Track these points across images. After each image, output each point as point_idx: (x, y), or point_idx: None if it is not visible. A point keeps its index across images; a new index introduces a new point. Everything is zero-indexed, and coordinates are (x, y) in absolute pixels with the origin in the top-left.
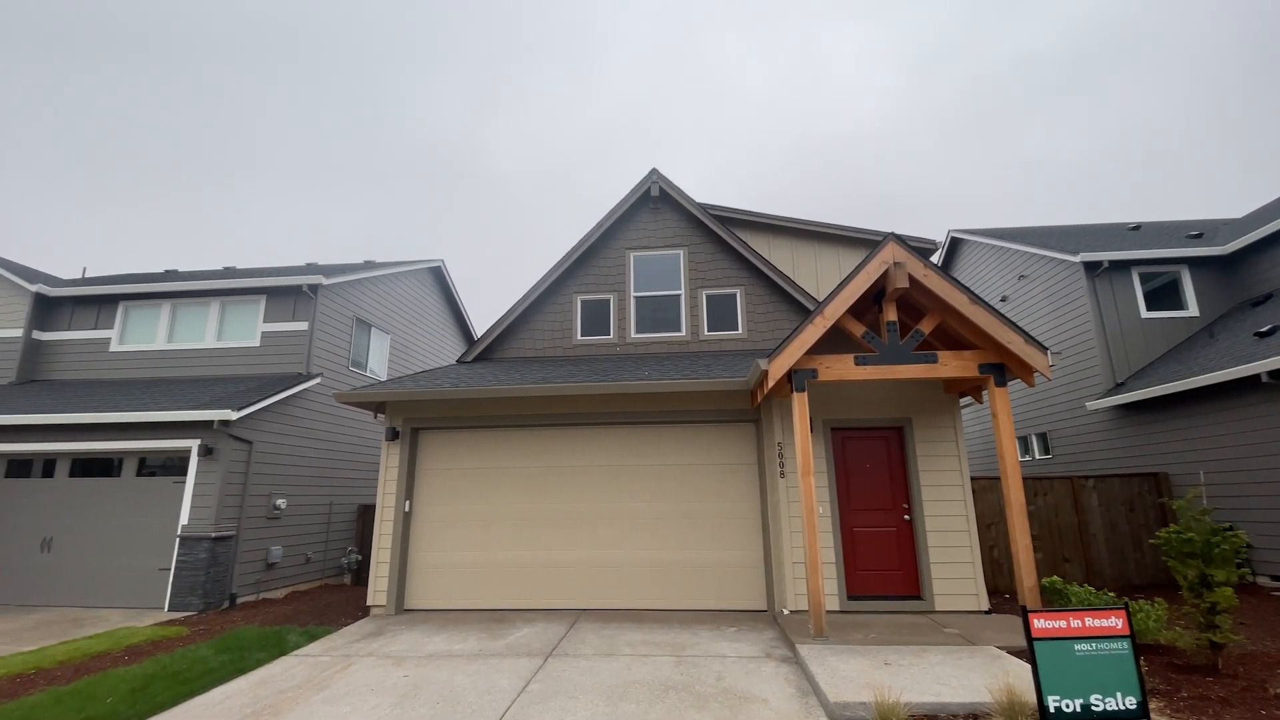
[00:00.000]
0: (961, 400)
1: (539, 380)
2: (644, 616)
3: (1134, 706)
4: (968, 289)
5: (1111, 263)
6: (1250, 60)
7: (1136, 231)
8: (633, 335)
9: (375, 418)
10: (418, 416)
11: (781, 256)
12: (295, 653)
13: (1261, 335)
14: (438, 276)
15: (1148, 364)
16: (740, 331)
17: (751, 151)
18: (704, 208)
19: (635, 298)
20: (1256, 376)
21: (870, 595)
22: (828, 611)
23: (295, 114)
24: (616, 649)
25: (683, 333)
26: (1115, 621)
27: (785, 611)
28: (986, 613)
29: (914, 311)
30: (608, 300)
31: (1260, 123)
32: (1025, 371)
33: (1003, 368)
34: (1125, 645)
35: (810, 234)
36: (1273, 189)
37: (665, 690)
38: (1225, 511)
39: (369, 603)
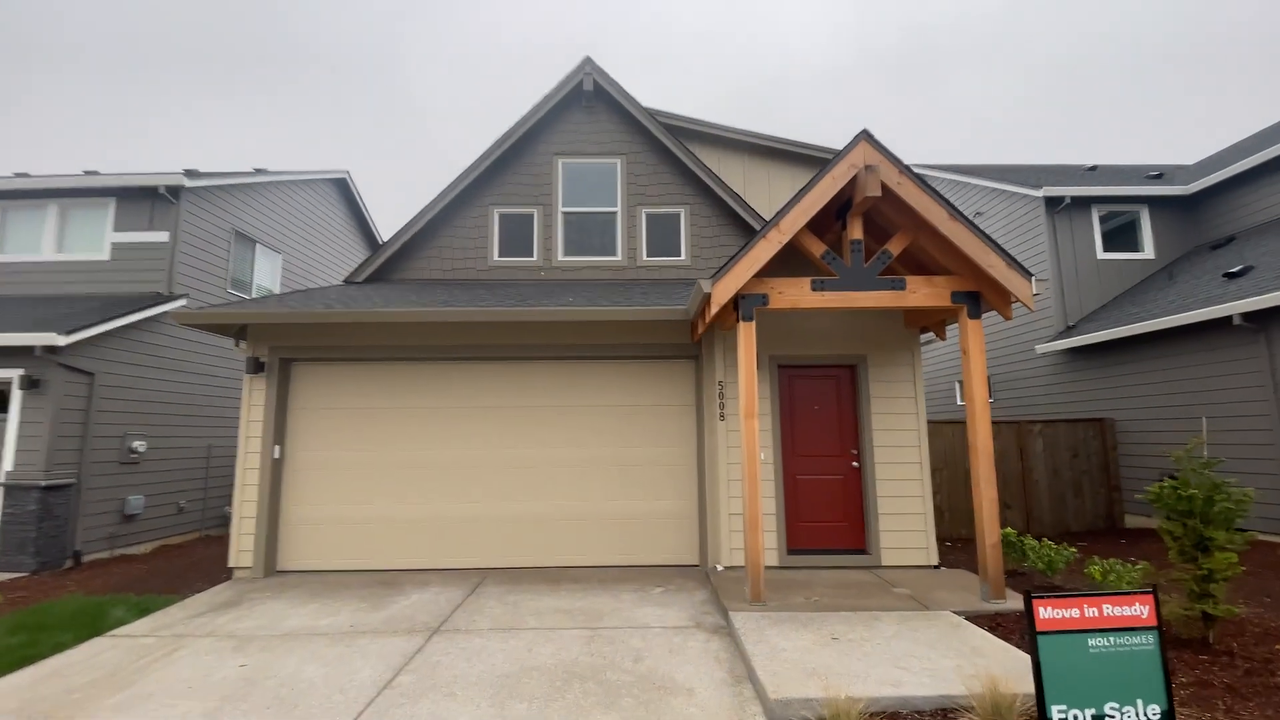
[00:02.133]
0: (922, 337)
1: (441, 304)
2: (561, 576)
3: (1158, 717)
4: (948, 202)
5: (1073, 199)
6: (1173, 24)
7: (1093, 172)
8: (560, 258)
9: (237, 345)
10: (290, 345)
11: (731, 176)
12: (113, 632)
13: (1231, 276)
14: (343, 191)
15: (1099, 307)
16: (683, 258)
17: (692, 88)
18: (648, 112)
19: (564, 214)
20: (1225, 319)
21: (812, 549)
22: (766, 567)
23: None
24: (520, 620)
25: (618, 257)
26: (1140, 609)
27: (719, 567)
28: (935, 568)
29: (880, 232)
30: (531, 215)
31: (1184, 74)
32: (1003, 302)
33: (978, 297)
34: (1152, 639)
35: (765, 151)
36: (1208, 140)
37: (569, 679)
38: (1159, 459)
39: (231, 564)
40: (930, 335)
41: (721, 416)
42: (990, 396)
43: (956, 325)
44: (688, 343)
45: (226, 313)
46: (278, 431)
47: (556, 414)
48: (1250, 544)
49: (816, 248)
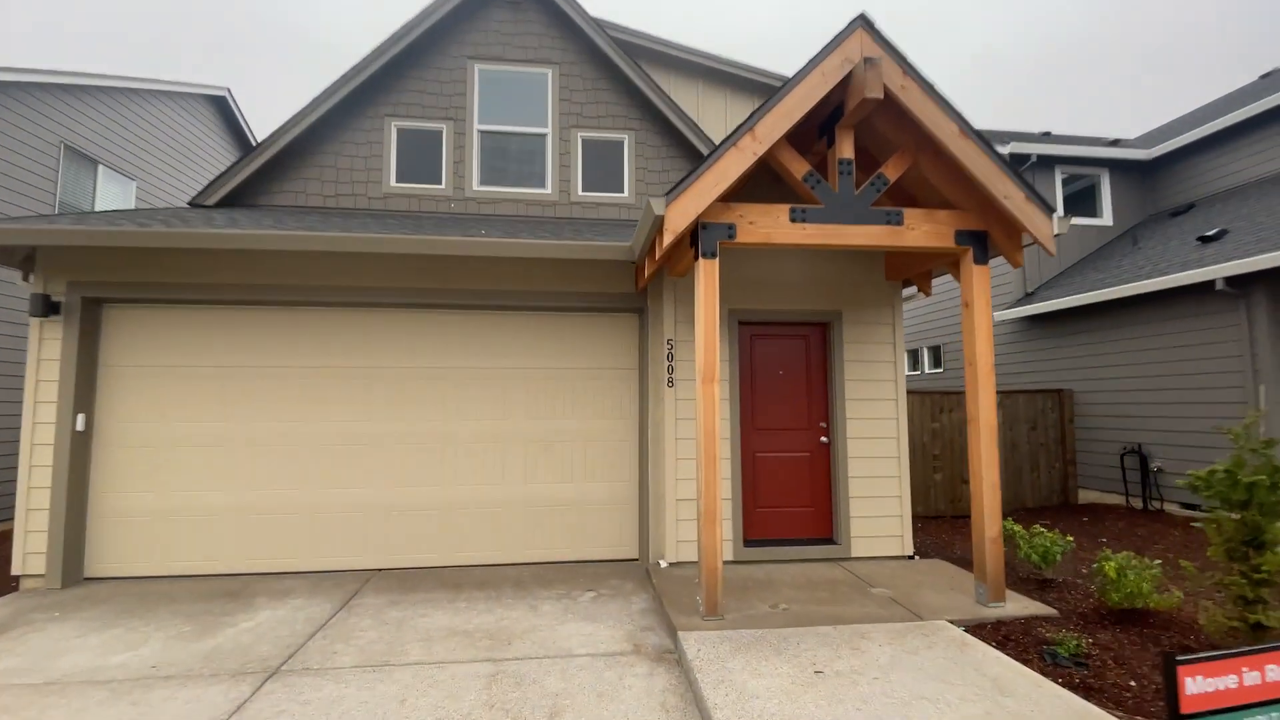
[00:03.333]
0: (904, 292)
1: (307, 228)
2: (465, 580)
3: None
4: (959, 113)
5: (1039, 158)
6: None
7: (1047, 138)
8: (476, 188)
9: (26, 280)
10: (99, 280)
11: (685, 103)
12: None
13: (1206, 240)
14: (223, 113)
15: (1059, 273)
16: (626, 194)
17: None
18: (589, 16)
19: (480, 133)
20: (1203, 284)
21: (773, 540)
22: (725, 563)
23: None
24: (399, 650)
25: (548, 190)
26: None
27: (663, 563)
28: (909, 558)
29: (868, 159)
30: (439, 132)
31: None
32: (1013, 245)
33: (985, 238)
34: None
35: (724, 78)
36: (1148, 113)
37: None
38: (1134, 433)
39: (15, 571)
40: (912, 290)
41: (670, 382)
42: (939, 366)
43: (947, 277)
44: (631, 292)
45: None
46: (81, 396)
47: (468, 378)
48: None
49: (798, 167)
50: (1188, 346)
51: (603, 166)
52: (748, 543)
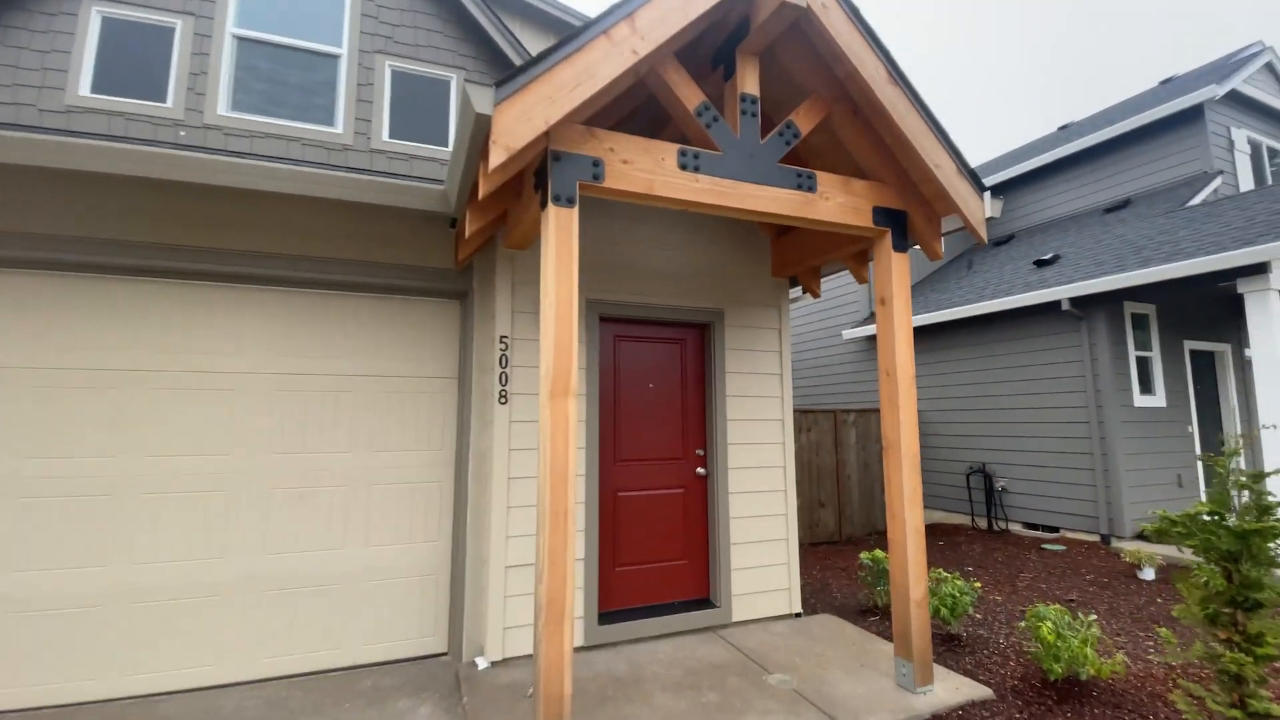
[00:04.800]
0: (791, 293)
1: None
2: None
3: None
4: (888, 53)
5: None
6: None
7: None
8: (224, 112)
9: None
10: None
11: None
12: None
13: (1042, 263)
14: None
15: None
16: (450, 148)
17: None
18: None
19: (237, 39)
20: (1048, 304)
21: (637, 610)
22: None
23: None
24: None
25: (337, 128)
26: None
27: (482, 663)
28: (797, 616)
29: (774, 103)
30: (170, 30)
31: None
32: (934, 229)
33: (906, 220)
34: None
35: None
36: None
37: None
38: (979, 452)
39: None
40: (798, 291)
41: (503, 397)
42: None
43: (842, 273)
44: (449, 268)
45: None
46: None
47: (174, 386)
48: (1064, 543)
49: (690, 94)
50: (1032, 366)
51: (419, 110)
52: (604, 617)
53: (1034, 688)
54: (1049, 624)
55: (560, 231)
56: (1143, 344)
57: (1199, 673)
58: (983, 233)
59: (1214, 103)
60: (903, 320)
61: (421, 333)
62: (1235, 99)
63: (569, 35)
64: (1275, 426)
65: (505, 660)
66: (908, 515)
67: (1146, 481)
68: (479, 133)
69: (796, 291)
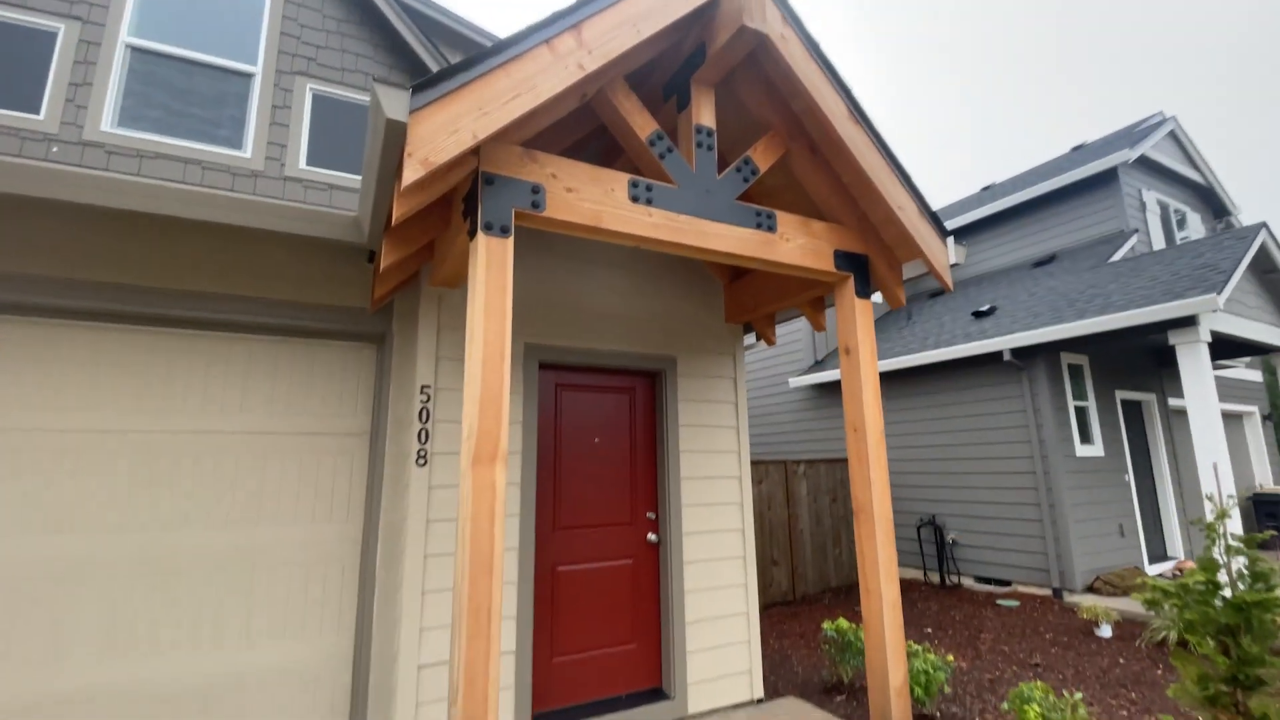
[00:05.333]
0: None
1: None
2: None
3: None
4: (849, 90)
5: None
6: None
7: None
8: (109, 128)
9: None
10: None
11: None
12: None
13: (980, 315)
14: None
15: None
16: (363, 163)
17: None
18: None
19: (133, 49)
20: (989, 355)
21: (579, 705)
22: None
23: None
24: None
25: (246, 152)
26: None
27: None
28: (759, 701)
29: (727, 138)
30: (52, 35)
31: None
32: (896, 275)
33: (868, 264)
34: None
35: None
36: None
37: None
38: (929, 504)
39: None
40: (750, 338)
41: (422, 458)
42: None
43: (798, 320)
44: (361, 308)
45: None
46: None
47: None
48: (1017, 597)
49: (642, 122)
50: (977, 416)
51: (345, 137)
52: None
53: None
54: (1035, 708)
55: (492, 264)
56: (1079, 394)
57: None
58: (948, 278)
59: (1127, 166)
60: (869, 371)
61: (327, 381)
62: (1145, 164)
63: (505, 42)
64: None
65: None
66: (884, 589)
67: (1092, 532)
68: (391, 144)
69: (750, 339)
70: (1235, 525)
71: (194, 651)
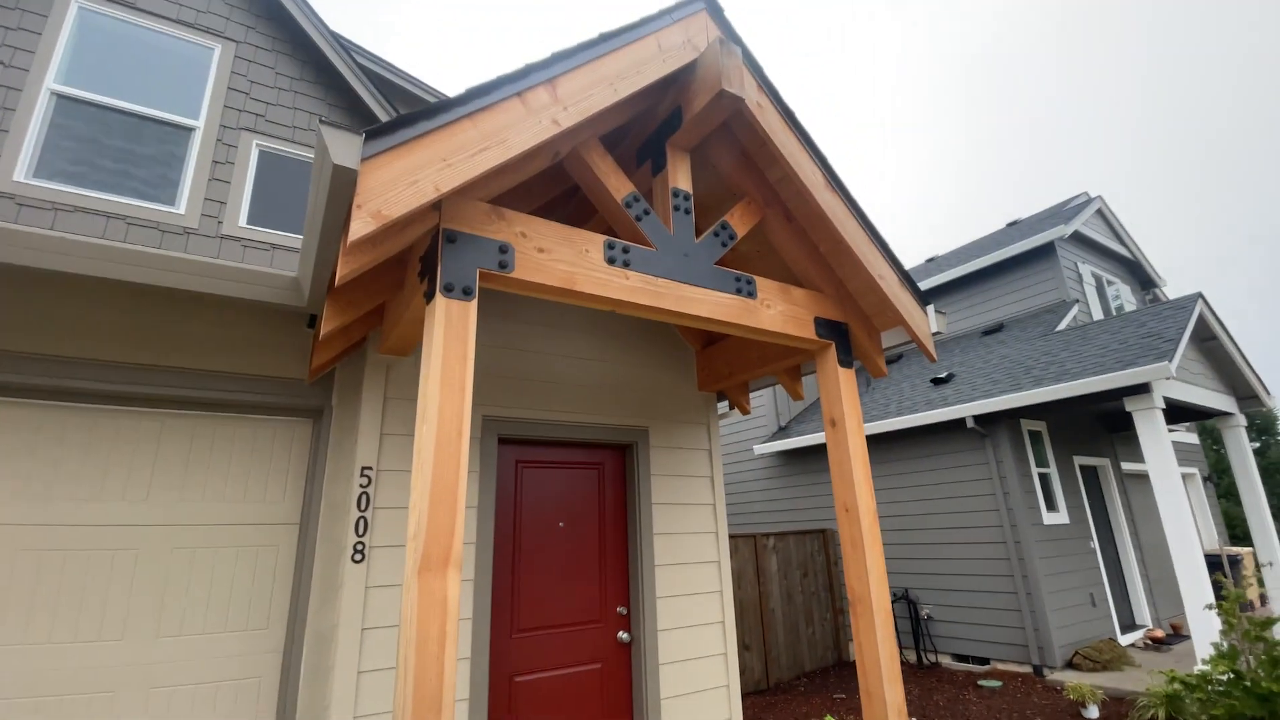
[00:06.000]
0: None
1: None
2: None
3: None
4: (825, 158)
5: None
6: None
7: None
8: (23, 178)
9: None
10: None
11: None
12: None
13: (939, 381)
14: None
15: (803, 410)
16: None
17: None
18: None
19: (57, 96)
20: (951, 422)
21: None
22: None
23: None
24: None
25: (179, 208)
26: None
27: None
28: None
29: (705, 204)
30: None
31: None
32: (875, 344)
33: (848, 332)
34: None
35: None
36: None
37: None
38: (899, 576)
39: None
40: (723, 406)
41: (358, 553)
42: None
43: (774, 388)
44: (298, 379)
45: None
46: None
47: None
48: (998, 676)
49: (617, 183)
50: (944, 484)
51: (293, 195)
52: None
53: None
54: None
55: (452, 331)
56: (1041, 460)
57: None
58: (931, 348)
59: (1063, 241)
60: (858, 444)
61: (252, 461)
62: (1078, 239)
63: (474, 91)
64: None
65: None
66: (888, 693)
67: (1066, 604)
68: (339, 193)
69: (723, 407)
70: None
71: None
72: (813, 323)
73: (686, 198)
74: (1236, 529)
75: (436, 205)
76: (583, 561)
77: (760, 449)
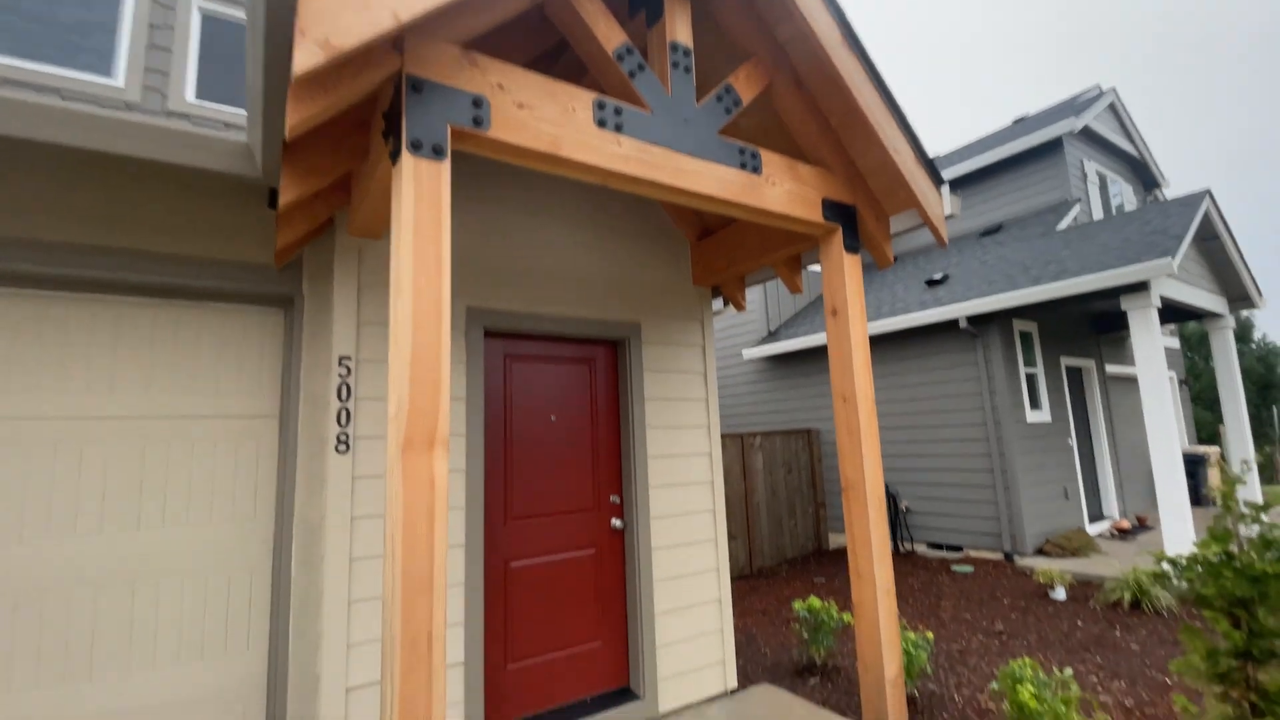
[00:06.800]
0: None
1: None
2: None
3: None
4: (841, 10)
5: None
6: None
7: None
8: None
9: None
10: None
11: None
12: None
13: (933, 283)
14: None
15: (794, 314)
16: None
17: None
18: None
19: None
20: (944, 323)
21: (539, 714)
22: None
23: None
24: None
25: (118, 80)
26: None
27: None
28: (733, 692)
29: (706, 67)
30: None
31: None
32: (884, 229)
33: (856, 216)
34: None
35: None
36: None
37: None
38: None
39: None
40: (718, 304)
41: (343, 443)
42: None
43: (765, 288)
44: (264, 264)
45: None
46: None
47: None
48: (970, 562)
49: (609, 31)
50: (931, 384)
51: (243, 67)
52: None
53: None
54: (1028, 688)
55: (423, 194)
56: (1029, 361)
57: None
58: (943, 232)
59: (1071, 136)
60: (859, 334)
61: (223, 353)
62: (1087, 135)
63: None
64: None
65: None
66: (878, 573)
67: (1041, 497)
68: (278, 14)
69: (718, 304)
70: (1254, 491)
71: (69, 685)
72: (820, 204)
73: (687, 53)
74: (1202, 432)
75: (398, 44)
76: (575, 453)
77: (749, 353)
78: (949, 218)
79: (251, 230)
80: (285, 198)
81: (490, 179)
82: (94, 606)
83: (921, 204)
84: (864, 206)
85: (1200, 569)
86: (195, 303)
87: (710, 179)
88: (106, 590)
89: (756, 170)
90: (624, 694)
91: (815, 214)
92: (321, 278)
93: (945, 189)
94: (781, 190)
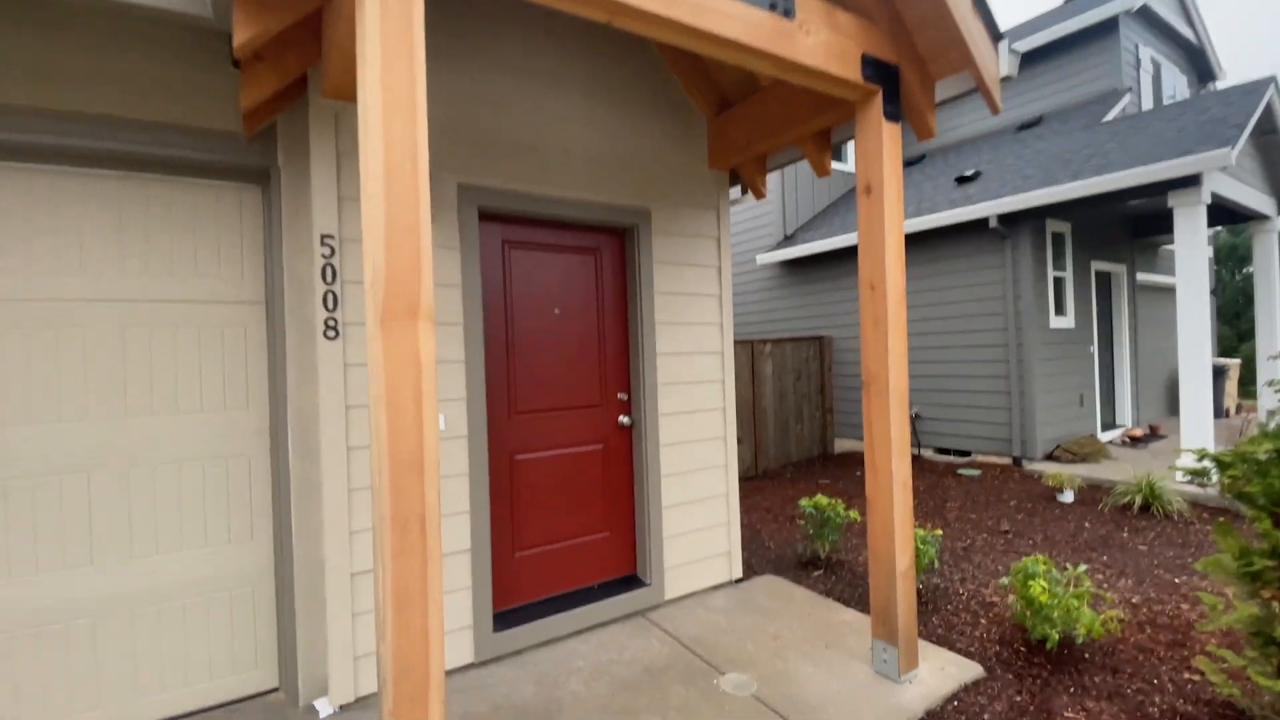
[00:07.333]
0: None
1: None
2: None
3: None
4: None
5: None
6: None
7: None
8: None
9: None
10: None
11: None
12: None
13: (964, 180)
14: None
15: (813, 216)
16: None
17: None
18: None
19: None
20: (971, 223)
21: (546, 602)
22: (456, 670)
23: None
24: None
25: None
26: None
27: (325, 709)
28: (738, 582)
29: None
30: None
31: None
32: (927, 93)
33: (898, 77)
34: None
35: None
36: None
37: None
38: None
39: None
40: (735, 191)
41: (332, 329)
42: None
43: (769, 192)
44: (234, 132)
45: None
46: None
47: None
48: (977, 466)
49: None
50: (952, 289)
51: None
52: (503, 619)
53: (1020, 654)
54: (1040, 583)
55: (390, 18)
56: (1059, 264)
57: (1193, 633)
58: (997, 96)
59: (1129, 16)
60: (894, 215)
61: (198, 233)
62: (1145, 16)
63: None
64: None
65: (359, 700)
66: (895, 466)
67: (1056, 403)
68: None
69: (735, 192)
70: None
71: (73, 569)
72: (859, 61)
73: None
74: (1222, 344)
75: None
76: (581, 348)
77: (763, 259)
78: (1004, 80)
79: (217, 95)
80: (240, 37)
81: (484, 38)
82: (87, 493)
83: (976, 63)
84: (908, 67)
85: (1246, 466)
86: (161, 175)
87: (736, 21)
88: (98, 477)
89: (789, 13)
90: (631, 581)
91: (854, 72)
92: (298, 149)
93: (1004, 46)
94: (817, 41)
